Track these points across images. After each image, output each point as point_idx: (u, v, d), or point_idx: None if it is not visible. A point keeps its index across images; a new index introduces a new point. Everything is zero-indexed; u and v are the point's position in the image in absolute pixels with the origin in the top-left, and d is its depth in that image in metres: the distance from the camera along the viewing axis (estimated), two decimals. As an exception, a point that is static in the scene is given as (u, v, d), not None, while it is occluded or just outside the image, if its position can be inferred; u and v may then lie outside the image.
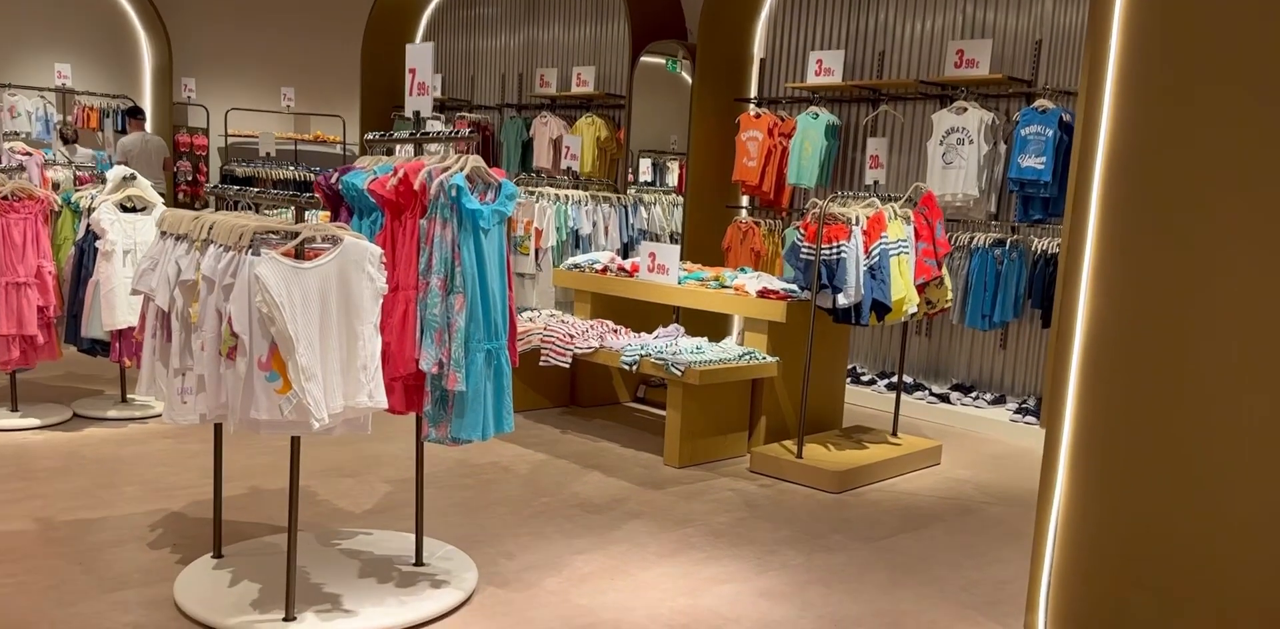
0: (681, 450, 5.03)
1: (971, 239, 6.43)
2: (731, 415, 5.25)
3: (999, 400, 6.45)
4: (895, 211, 4.91)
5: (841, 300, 4.78)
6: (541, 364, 5.59)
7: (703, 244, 7.75)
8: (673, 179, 8.46)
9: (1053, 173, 6.03)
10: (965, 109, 6.44)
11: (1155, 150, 2.90)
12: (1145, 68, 2.95)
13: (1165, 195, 2.87)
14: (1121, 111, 2.99)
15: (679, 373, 4.91)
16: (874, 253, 4.77)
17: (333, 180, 3.12)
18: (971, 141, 6.41)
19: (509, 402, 3.17)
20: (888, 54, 7.16)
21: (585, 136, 8.55)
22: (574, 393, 6.32)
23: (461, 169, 2.91)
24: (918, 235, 5.00)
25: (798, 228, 5.07)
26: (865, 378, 6.94)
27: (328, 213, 3.26)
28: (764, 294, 5.25)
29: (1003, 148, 6.46)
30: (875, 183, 5.53)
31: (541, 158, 9.10)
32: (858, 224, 4.76)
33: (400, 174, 2.92)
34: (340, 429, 2.87)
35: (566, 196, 7.18)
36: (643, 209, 8.17)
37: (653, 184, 8.41)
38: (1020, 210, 6.32)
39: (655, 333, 5.65)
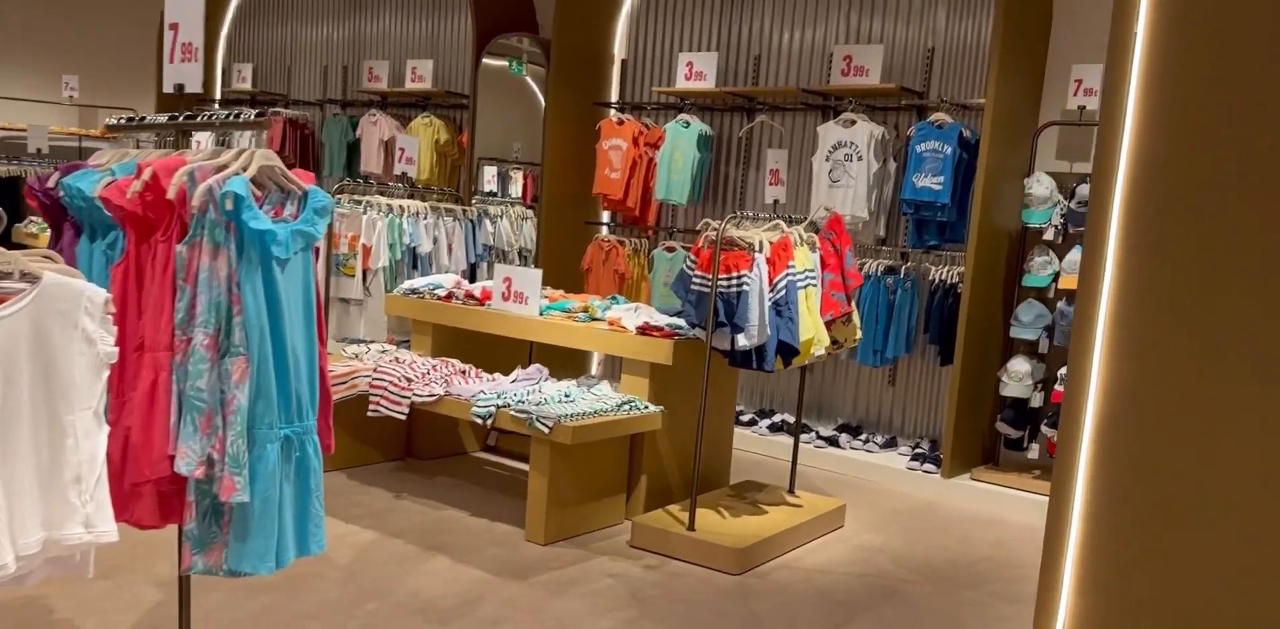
0: (548, 523, 4.10)
1: (861, 266, 5.77)
2: (608, 477, 4.35)
3: (890, 443, 5.81)
4: (801, 237, 4.15)
5: (743, 341, 3.97)
6: (370, 414, 4.54)
7: (559, 264, 6.84)
8: (517, 190, 7.54)
9: (951, 194, 5.45)
10: (854, 122, 5.80)
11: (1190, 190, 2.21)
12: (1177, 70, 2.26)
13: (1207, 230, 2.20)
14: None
15: (546, 429, 3.98)
16: (780, 285, 4.00)
17: (49, 184, 2.05)
18: (861, 158, 5.77)
19: (318, 510, 2.19)
20: (765, 59, 6.47)
21: (422, 139, 7.51)
22: (411, 443, 5.28)
23: (243, 169, 1.92)
24: (824, 265, 4.26)
25: (687, 253, 4.24)
26: (744, 417, 6.19)
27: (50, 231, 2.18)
28: (645, 331, 4.40)
29: (893, 165, 5.86)
30: (776, 202, 4.78)
31: (370, 161, 7.99)
32: (761, 251, 3.97)
33: (147, 175, 1.90)
34: (41, 573, 1.81)
35: (402, 207, 6.13)
36: (489, 222, 7.20)
37: (496, 195, 7.46)
38: (914, 235, 5.72)
39: (513, 375, 4.70)
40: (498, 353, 5.24)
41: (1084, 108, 5.14)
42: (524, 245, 7.38)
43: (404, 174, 6.48)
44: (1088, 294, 2.40)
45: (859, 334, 4.43)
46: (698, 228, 4.27)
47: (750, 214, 4.16)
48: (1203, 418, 2.24)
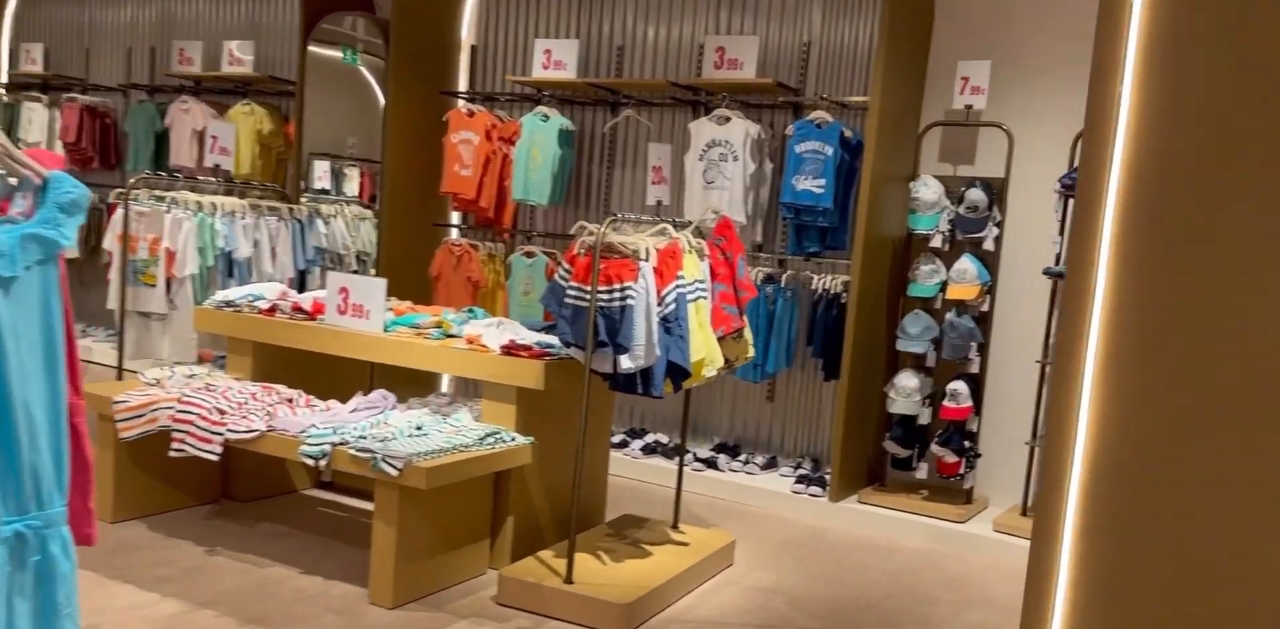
0: (397, 582, 3.45)
1: (738, 273, 5.34)
2: (469, 521, 3.74)
3: (771, 463, 5.41)
4: (689, 243, 3.65)
5: (627, 363, 3.44)
6: (173, 454, 3.77)
7: (404, 271, 6.15)
8: (353, 188, 6.80)
9: (834, 197, 5.08)
10: (728, 119, 5.37)
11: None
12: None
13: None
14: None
15: (394, 472, 3.34)
16: (668, 299, 3.48)
17: None
18: (736, 158, 5.34)
19: (78, 634, 1.51)
20: (631, 49, 5.98)
21: (242, 128, 6.65)
22: (228, 481, 4.50)
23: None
24: (713, 274, 3.78)
25: (560, 262, 3.67)
26: (615, 438, 5.66)
27: None
28: (511, 350, 3.80)
29: (770, 166, 5.46)
30: (659, 203, 4.27)
31: (182, 153, 7.06)
32: (647, 259, 3.44)
33: None
34: None
35: (215, 205, 5.31)
36: (321, 223, 6.43)
37: (329, 192, 6.70)
38: (793, 241, 5.33)
39: (352, 403, 4.01)
40: (333, 376, 4.53)
41: (970, 107, 4.87)
42: (362, 248, 6.66)
43: (218, 166, 5.63)
44: (1073, 321, 1.99)
45: (751, 351, 3.97)
46: (572, 232, 3.71)
47: (633, 217, 3.63)
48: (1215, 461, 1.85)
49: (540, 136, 5.86)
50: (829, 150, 5.10)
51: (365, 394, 4.05)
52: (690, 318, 3.53)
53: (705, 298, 3.65)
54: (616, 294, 3.43)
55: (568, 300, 3.55)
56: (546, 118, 5.88)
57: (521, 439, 3.77)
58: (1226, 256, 1.86)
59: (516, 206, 6.17)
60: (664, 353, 3.45)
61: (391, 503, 3.42)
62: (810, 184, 5.13)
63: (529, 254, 5.94)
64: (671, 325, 3.48)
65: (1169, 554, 1.91)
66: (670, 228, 3.62)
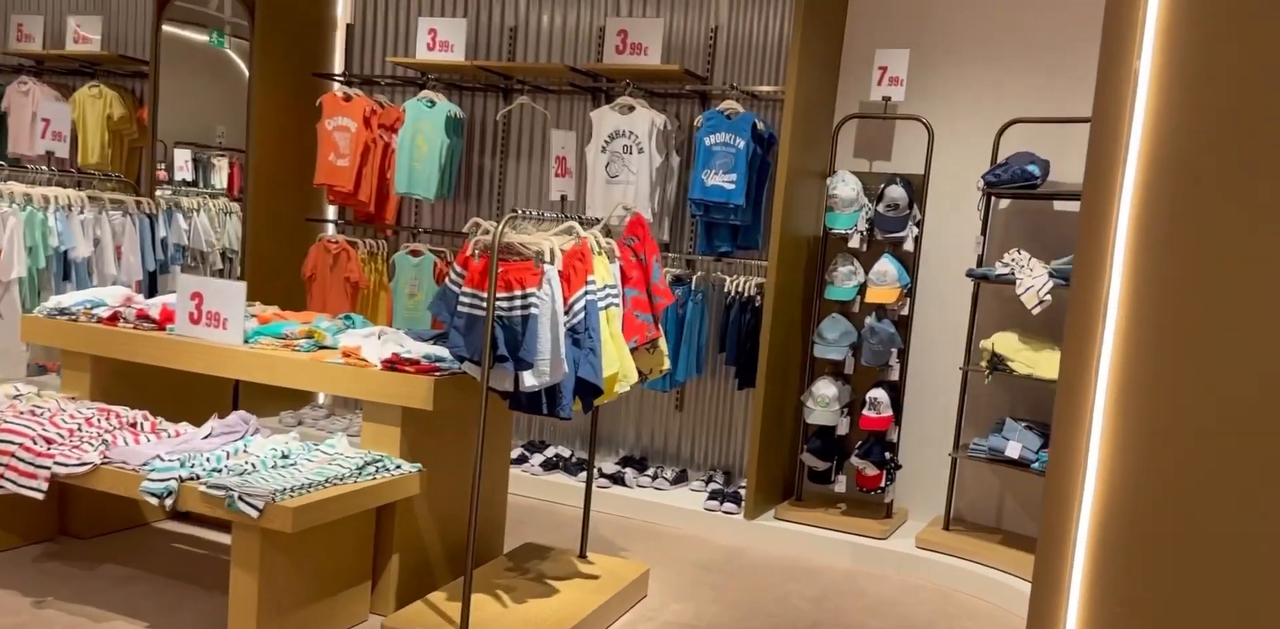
0: (261, 639, 2.95)
1: (644, 274, 4.96)
2: (346, 563, 3.25)
3: (681, 477, 5.05)
4: (598, 244, 3.24)
5: (531, 381, 3.01)
6: (-7, 492, 3.18)
7: (273, 272, 5.58)
8: (222, 180, 6.18)
9: (746, 194, 4.75)
10: (632, 108, 4.98)
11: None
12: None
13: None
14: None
15: (255, 512, 2.84)
16: (577, 307, 3.07)
17: None
18: (642, 150, 4.96)
19: None
20: (524, 30, 5.53)
21: (88, 113, 5.96)
22: (65, 515, 3.90)
23: None
24: (625, 278, 3.38)
25: (450, 264, 3.21)
26: (512, 452, 5.20)
27: None
28: (395, 365, 3.33)
29: (677, 160, 5.10)
30: (563, 198, 3.85)
31: (21, 141, 6.31)
32: (552, 262, 3.02)
33: None
34: None
35: (47, 198, 4.65)
36: (181, 218, 5.81)
37: (194, 184, 6.07)
38: (703, 240, 4.98)
39: (206, 427, 3.47)
40: (188, 395, 3.97)
41: (889, 99, 4.59)
42: (228, 246, 6.05)
43: (51, 154, 4.96)
44: (1082, 330, 1.66)
45: (667, 363, 3.59)
46: (464, 230, 3.26)
47: (535, 213, 3.20)
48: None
49: (426, 124, 5.36)
50: (740, 143, 4.76)
51: (222, 417, 3.51)
52: (601, 328, 3.12)
53: (617, 305, 3.25)
54: (517, 302, 3.00)
55: (461, 309, 3.10)
56: (432, 104, 5.39)
57: (408, 467, 3.30)
58: (1258, 269, 1.56)
59: (400, 200, 5.66)
60: (573, 368, 3.04)
61: (251, 548, 2.92)
62: (721, 179, 4.78)
63: (415, 253, 5.44)
64: (581, 337, 3.07)
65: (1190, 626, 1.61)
66: (577, 226, 3.20)
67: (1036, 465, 4.08)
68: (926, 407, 4.71)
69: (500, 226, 2.99)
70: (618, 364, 3.19)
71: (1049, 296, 4.00)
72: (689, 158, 5.17)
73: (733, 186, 4.76)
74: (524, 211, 3.15)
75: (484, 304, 3.04)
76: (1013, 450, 4.13)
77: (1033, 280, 4.07)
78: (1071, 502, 1.64)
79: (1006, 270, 4.20)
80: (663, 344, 3.53)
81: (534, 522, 4.57)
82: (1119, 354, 1.60)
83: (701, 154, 4.83)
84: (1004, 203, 4.57)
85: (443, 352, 3.37)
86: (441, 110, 5.37)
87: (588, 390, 3.12)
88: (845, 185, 4.51)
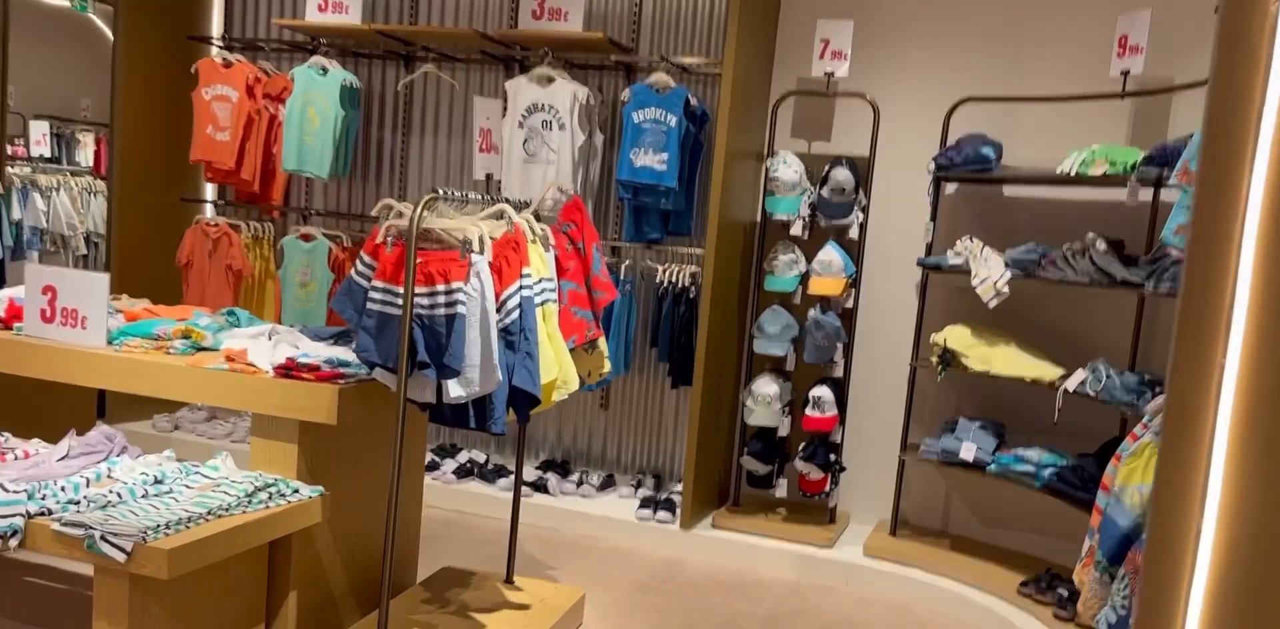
0: (131, 707, 2.44)
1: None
2: (235, 606, 2.75)
3: (608, 482, 4.65)
4: (533, 230, 2.81)
5: (457, 391, 2.57)
6: None
7: (143, 260, 4.96)
8: (87, 157, 5.52)
9: (678, 175, 4.36)
10: (552, 79, 4.54)
11: None
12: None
13: None
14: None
15: (121, 555, 2.33)
16: (511, 304, 2.64)
17: None
18: (563, 126, 4.52)
19: None
20: (430, -8, 5.01)
21: (-80, 76, 5.18)
22: (-114, 552, 3.26)
23: None
24: (561, 270, 2.96)
25: (361, 255, 2.73)
26: (415, 463, 4.73)
27: None
28: (291, 371, 2.83)
29: (600, 138, 4.67)
30: (489, 177, 3.39)
31: None
32: (482, 252, 2.58)
33: None
34: None
35: None
36: (38, 198, 5.14)
37: (56, 161, 5.39)
38: (631, 226, 4.58)
39: (62, 447, 2.91)
40: (43, 406, 3.38)
41: (831, 74, 4.26)
42: (93, 229, 5.41)
43: None
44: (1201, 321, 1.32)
45: (608, 366, 3.18)
46: (374, 213, 2.78)
47: (459, 194, 2.74)
48: None
49: (317, 94, 4.81)
50: (672, 120, 4.37)
51: (80, 434, 2.95)
52: (539, 327, 2.70)
53: (554, 301, 2.82)
54: (440, 298, 2.55)
55: (371, 306, 2.63)
56: (325, 71, 4.84)
57: (307, 490, 2.82)
58: None
59: (288, 179, 5.10)
60: (506, 375, 2.61)
61: (119, 597, 2.41)
62: (651, 159, 4.38)
63: (306, 237, 4.90)
64: (515, 339, 2.63)
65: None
66: (509, 209, 2.76)
67: (993, 467, 3.82)
68: (870, 405, 4.43)
69: (419, 209, 2.53)
70: (556, 369, 2.77)
71: (1007, 289, 3.74)
72: (613, 135, 4.76)
73: (664, 167, 4.37)
74: (447, 192, 2.69)
75: (399, 301, 2.58)
76: (967, 452, 3.87)
77: (988, 271, 3.80)
78: (1180, 575, 1.31)
79: (960, 260, 3.93)
80: (603, 344, 3.12)
81: (450, 538, 4.12)
82: (1246, 380, 1.27)
83: (629, 131, 4.42)
84: (950, 187, 4.30)
85: (347, 354, 2.89)
86: (335, 79, 4.82)
87: (523, 400, 2.69)
88: (787, 167, 4.17)
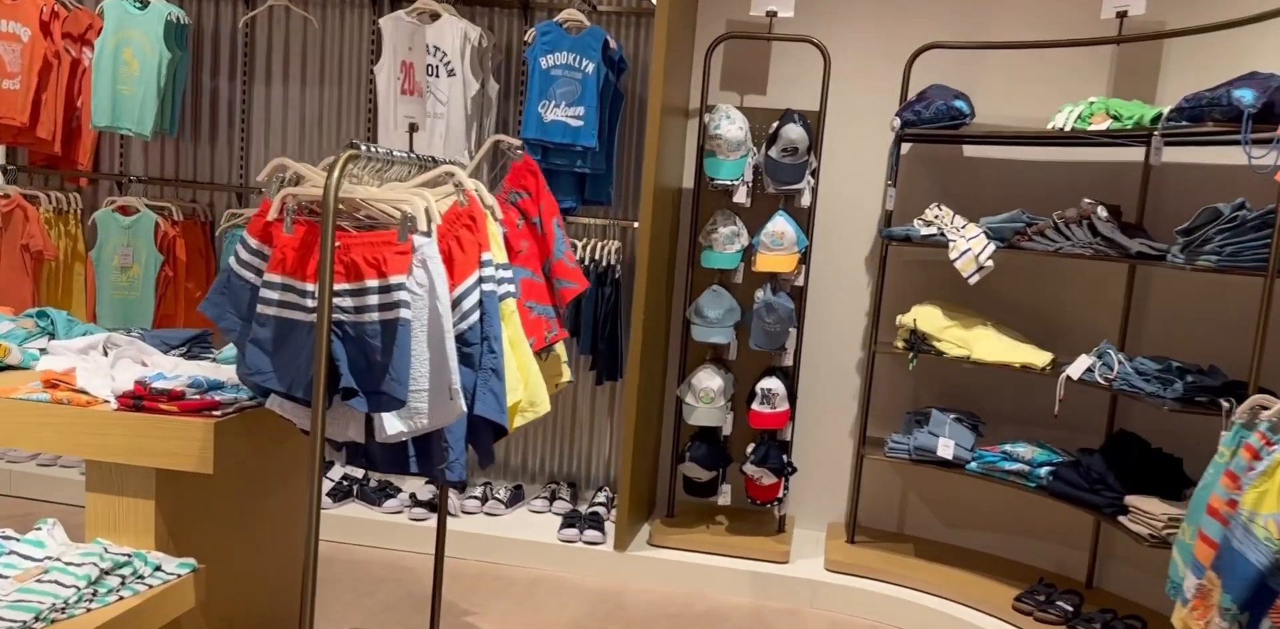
0: None
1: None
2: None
3: (517, 496, 3.97)
4: (484, 200, 2.08)
5: (397, 427, 1.85)
6: None
7: (-97, 241, 3.88)
8: None
9: (598, 133, 3.68)
10: (437, 15, 3.75)
11: None
12: None
13: None
14: None
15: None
16: (468, 302, 1.93)
17: None
18: (453, 72, 3.75)
19: None
20: (274, -93, 4.09)
21: None
22: None
23: None
24: (510, 251, 2.25)
25: (244, 237, 1.94)
26: (282, 484, 3.89)
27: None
28: (142, 401, 2.02)
29: (495, 87, 3.93)
30: (413, 127, 2.61)
31: None
32: (430, 233, 1.84)
33: None
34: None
35: None
36: None
37: None
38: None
39: None
40: None
41: (774, 14, 3.67)
42: None
43: None
44: None
45: (567, 373, 2.50)
46: (260, 178, 1.98)
47: (383, 151, 1.98)
48: None
49: (134, 32, 3.84)
50: (589, 67, 3.68)
51: None
52: (502, 329, 1.99)
53: (514, 294, 2.12)
54: (373, 299, 1.81)
55: (265, 310, 1.86)
56: (143, 5, 3.87)
57: (174, 565, 2.03)
58: None
59: (98, 138, 4.11)
60: (472, 404, 1.90)
61: None
62: (564, 113, 3.68)
63: (125, 210, 3.95)
64: (474, 350, 1.93)
65: None
66: (460, 173, 2.02)
67: (973, 466, 3.38)
68: (818, 397, 3.91)
69: (337, 170, 1.77)
70: (521, 386, 2.08)
71: (990, 262, 3.27)
72: (510, 85, 4.03)
73: (580, 123, 3.67)
74: (368, 148, 1.93)
75: (309, 302, 1.83)
76: (944, 449, 3.41)
77: (968, 243, 3.33)
78: None
79: (933, 230, 3.44)
80: (561, 349, 2.44)
81: (336, 580, 3.35)
82: None
83: (536, 80, 3.69)
84: (903, 148, 3.80)
85: (220, 372, 2.11)
86: (157, 14, 3.86)
87: (485, 433, 1.99)
88: (730, 124, 3.55)
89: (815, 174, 3.66)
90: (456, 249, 1.91)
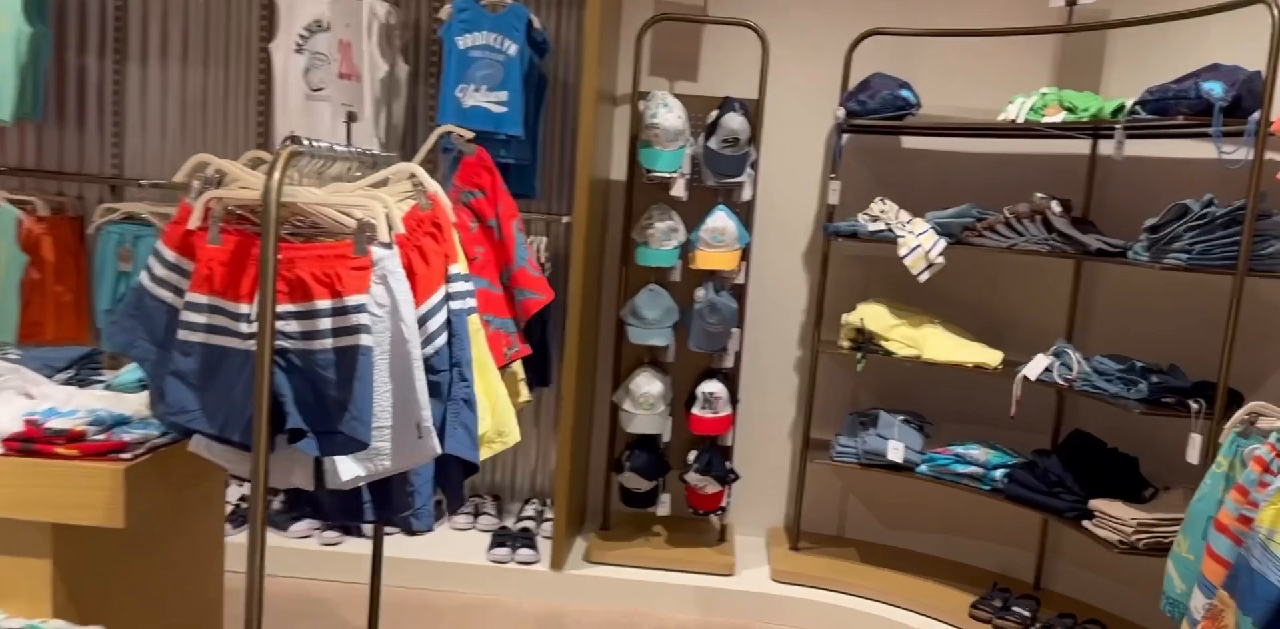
0: None
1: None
2: None
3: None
4: (443, 201, 1.81)
5: (355, 470, 1.57)
6: None
7: None
8: None
9: (523, 120, 3.41)
10: (340, -12, 3.40)
11: None
12: None
13: None
14: None
15: None
16: (434, 322, 1.65)
17: None
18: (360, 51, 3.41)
19: None
20: None
21: None
22: None
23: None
24: (466, 259, 1.97)
25: (159, 247, 1.62)
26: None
27: None
28: (33, 444, 1.68)
29: (404, 68, 3.61)
30: (351, 117, 2.21)
31: None
32: (390, 244, 1.57)
33: None
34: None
35: None
36: None
37: None
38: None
39: None
40: None
41: (708, -4, 3.46)
42: None
43: None
44: None
45: (525, 393, 2.24)
46: (179, 177, 1.66)
47: (322, 144, 1.69)
48: None
49: (-13, 0, 3.36)
50: (512, 48, 3.39)
51: None
52: (471, 351, 1.73)
53: (475, 310, 1.85)
54: (325, 323, 1.53)
55: (189, 337, 1.56)
56: (-5, -32, 3.38)
57: (80, 640, 1.70)
58: None
59: (-54, 123, 3.60)
60: (442, 439, 1.64)
61: None
62: (485, 99, 3.39)
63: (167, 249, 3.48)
64: (444, 377, 1.66)
65: None
66: (421, 173, 1.74)
67: (924, 468, 3.28)
68: (754, 398, 3.74)
69: (278, 168, 1.48)
70: (489, 415, 1.82)
71: (941, 259, 3.16)
72: (420, 66, 3.71)
73: (503, 110, 3.39)
74: (309, 143, 1.63)
75: (243, 327, 1.53)
76: (894, 453, 3.29)
77: (917, 239, 3.21)
78: None
79: (880, 226, 3.30)
80: (519, 366, 2.18)
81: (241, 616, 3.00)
82: None
83: (454, 62, 3.39)
84: (843, 139, 3.65)
85: (126, 405, 1.78)
86: (12, -21, 3.39)
87: (456, 471, 1.73)
88: (669, 112, 3.33)
89: (755, 166, 3.48)
90: (419, 261, 1.63)
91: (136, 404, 1.85)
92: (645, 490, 3.54)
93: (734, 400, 3.51)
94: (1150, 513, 2.69)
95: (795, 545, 3.59)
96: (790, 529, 3.67)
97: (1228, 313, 2.55)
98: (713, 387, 3.45)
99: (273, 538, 3.41)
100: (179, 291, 1.58)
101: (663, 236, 3.43)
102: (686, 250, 3.47)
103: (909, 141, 3.62)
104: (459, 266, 1.71)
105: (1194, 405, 2.59)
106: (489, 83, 3.39)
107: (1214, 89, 2.52)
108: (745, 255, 3.47)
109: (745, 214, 3.48)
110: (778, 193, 3.65)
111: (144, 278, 1.61)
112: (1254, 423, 2.08)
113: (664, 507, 3.57)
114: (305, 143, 1.61)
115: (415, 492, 1.65)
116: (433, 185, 1.70)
